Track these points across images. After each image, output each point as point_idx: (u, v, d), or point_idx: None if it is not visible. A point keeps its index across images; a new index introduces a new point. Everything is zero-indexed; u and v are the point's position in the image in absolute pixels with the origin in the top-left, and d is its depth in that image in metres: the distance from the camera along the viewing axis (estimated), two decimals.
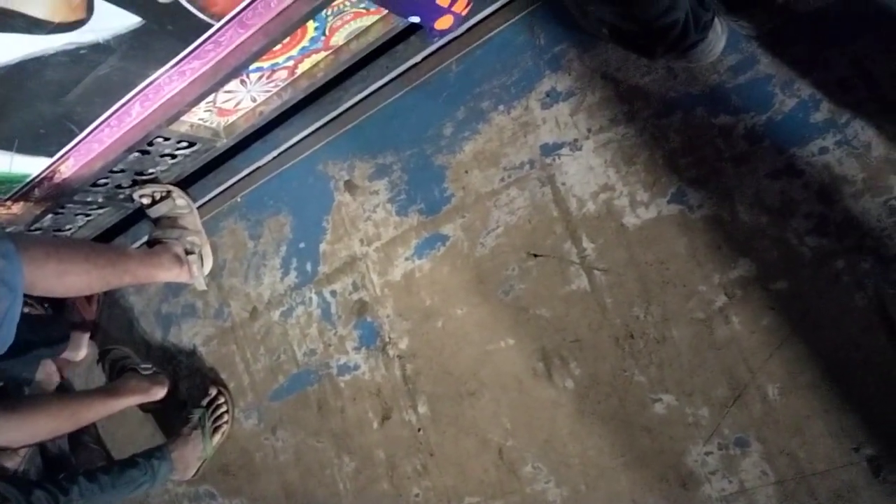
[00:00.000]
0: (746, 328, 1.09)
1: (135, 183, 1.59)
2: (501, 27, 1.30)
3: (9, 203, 1.42)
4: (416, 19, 1.14)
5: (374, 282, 1.46)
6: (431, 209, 1.40)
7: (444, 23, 1.16)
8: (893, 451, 0.98)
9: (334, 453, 1.50)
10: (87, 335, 1.79)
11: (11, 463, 1.57)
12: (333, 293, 1.51)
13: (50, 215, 1.56)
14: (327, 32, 1.33)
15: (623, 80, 1.19)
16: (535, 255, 1.28)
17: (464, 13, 1.21)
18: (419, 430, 1.39)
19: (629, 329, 1.19)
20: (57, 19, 0.98)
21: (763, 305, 1.08)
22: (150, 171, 1.58)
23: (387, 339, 1.44)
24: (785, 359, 1.06)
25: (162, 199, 1.61)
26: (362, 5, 1.27)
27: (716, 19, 1.04)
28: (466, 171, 1.36)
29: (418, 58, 1.40)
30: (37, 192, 1.42)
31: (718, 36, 1.06)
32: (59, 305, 1.79)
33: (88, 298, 1.82)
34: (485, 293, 1.33)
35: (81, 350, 1.78)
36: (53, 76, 1.10)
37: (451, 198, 1.38)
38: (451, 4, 1.11)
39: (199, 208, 1.65)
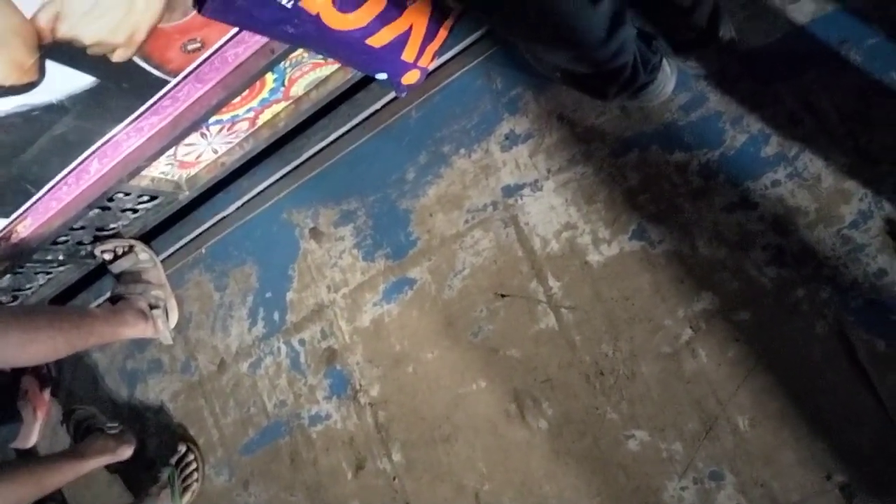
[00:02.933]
0: (713, 361, 1.10)
1: (96, 239, 1.57)
2: (459, 72, 1.32)
3: None
4: (383, 76, 1.15)
5: (343, 329, 1.44)
6: (398, 253, 1.40)
7: (410, 77, 1.18)
8: (864, 477, 0.99)
9: None
10: (39, 423, 1.73)
11: None
12: (302, 342, 1.49)
13: (9, 275, 1.53)
14: (287, 83, 1.34)
15: (579, 121, 1.21)
16: (503, 296, 1.28)
17: (429, 66, 1.23)
18: (394, 478, 1.37)
19: (599, 366, 1.19)
20: (8, 83, 0.97)
21: (728, 337, 1.09)
22: (112, 226, 1.56)
23: (358, 387, 1.42)
24: (752, 389, 1.07)
25: (124, 253, 1.58)
26: (321, 56, 1.28)
27: (664, 60, 1.07)
28: (431, 215, 1.36)
29: (379, 104, 1.41)
30: None
31: (668, 76, 1.09)
32: (8, 392, 1.73)
33: (41, 387, 1.76)
34: (454, 336, 1.32)
35: (31, 438, 1.71)
36: (6, 138, 1.09)
37: (417, 241, 1.38)
38: (417, 59, 1.13)
39: (162, 261, 1.63)
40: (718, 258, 1.09)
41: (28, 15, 0.90)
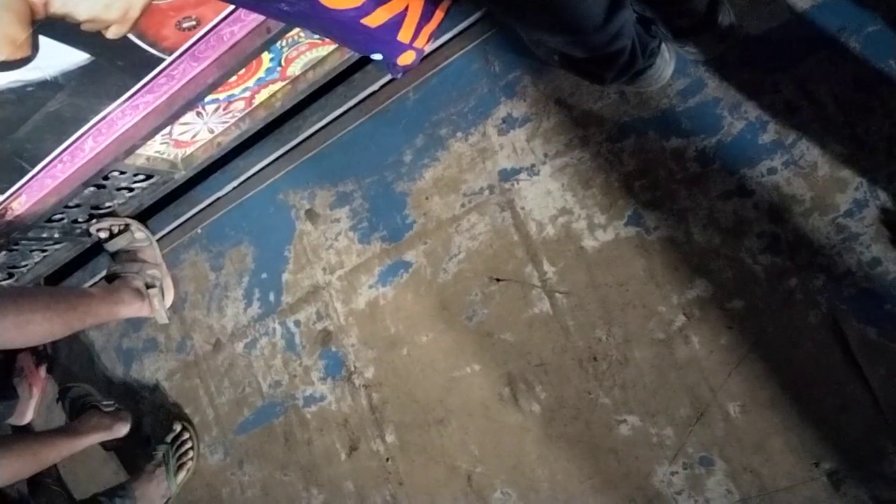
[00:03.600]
0: (705, 348, 1.10)
1: (91, 217, 1.56)
2: (456, 55, 1.31)
3: None
4: (378, 56, 1.14)
5: (338, 310, 1.44)
6: (394, 236, 1.39)
7: (406, 58, 1.16)
8: (852, 465, 1.00)
9: (302, 486, 1.47)
10: (35, 400, 1.73)
11: None
12: (297, 323, 1.49)
13: (4, 252, 1.53)
14: (283, 63, 1.33)
15: (576, 105, 1.20)
16: (498, 280, 1.28)
17: (425, 48, 1.21)
18: (387, 459, 1.38)
19: (592, 351, 1.19)
20: (1, 58, 0.96)
21: (721, 325, 1.09)
22: (107, 204, 1.55)
23: (352, 369, 1.42)
24: (744, 377, 1.07)
25: (120, 232, 1.58)
26: (317, 36, 1.27)
27: (662, 45, 1.06)
28: (427, 198, 1.36)
29: (376, 86, 1.40)
30: None
31: (666, 61, 1.08)
32: (4, 369, 1.73)
33: (38, 364, 1.76)
34: (449, 319, 1.32)
35: (27, 416, 1.72)
36: (2, 114, 1.08)
37: (413, 224, 1.37)
38: (413, 40, 1.12)
39: (158, 241, 1.63)
40: (713, 245, 1.09)
41: None
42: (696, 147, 1.11)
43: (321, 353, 1.46)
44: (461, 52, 1.31)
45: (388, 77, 1.39)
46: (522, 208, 1.26)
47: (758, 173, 1.06)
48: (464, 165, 1.32)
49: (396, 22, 1.03)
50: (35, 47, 0.99)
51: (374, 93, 1.41)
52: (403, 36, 1.07)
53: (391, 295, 1.39)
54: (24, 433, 1.71)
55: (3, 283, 1.67)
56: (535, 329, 1.24)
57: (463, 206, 1.32)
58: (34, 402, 1.71)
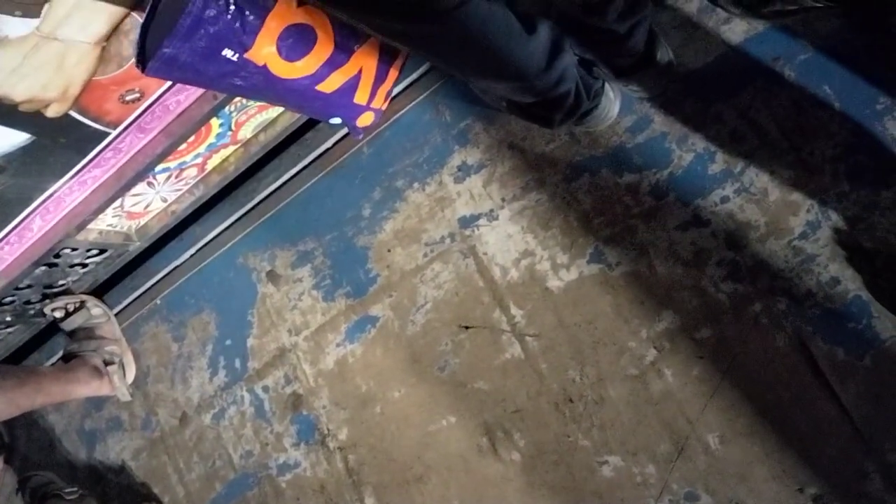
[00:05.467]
0: (679, 380, 1.09)
1: (45, 297, 1.51)
2: (407, 107, 1.32)
3: None
4: (337, 121, 1.14)
5: (307, 372, 1.41)
6: (358, 291, 1.37)
7: (365, 119, 1.16)
8: (835, 488, 0.99)
9: None
10: None
11: None
12: (266, 389, 1.45)
13: None
14: (233, 127, 1.32)
15: (529, 148, 1.21)
16: (467, 328, 1.26)
17: (383, 107, 1.22)
18: None
19: (567, 393, 1.17)
20: None
21: (691, 355, 1.08)
22: (61, 282, 1.50)
23: (325, 431, 1.38)
24: (720, 407, 1.06)
25: (76, 310, 1.53)
26: (253, 100, 1.27)
27: (606, 85, 1.08)
28: (389, 250, 1.35)
29: (329, 143, 1.40)
30: None
31: (611, 100, 1.10)
32: None
33: None
34: (420, 372, 1.30)
35: None
36: None
37: (377, 278, 1.36)
38: (370, 101, 1.12)
39: (116, 315, 1.58)
40: (676, 277, 1.10)
41: None
42: (650, 181, 1.12)
43: (292, 418, 1.41)
44: (412, 103, 1.32)
45: (341, 133, 1.39)
46: (485, 254, 1.25)
47: (711, 203, 1.07)
48: (423, 215, 1.32)
49: (351, 85, 1.04)
50: None
51: (328, 149, 1.41)
52: (360, 98, 1.07)
53: (360, 352, 1.36)
54: None
55: None
56: (508, 375, 1.22)
57: (425, 255, 1.31)
58: None
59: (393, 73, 1.15)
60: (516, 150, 1.24)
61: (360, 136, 1.23)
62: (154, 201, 1.41)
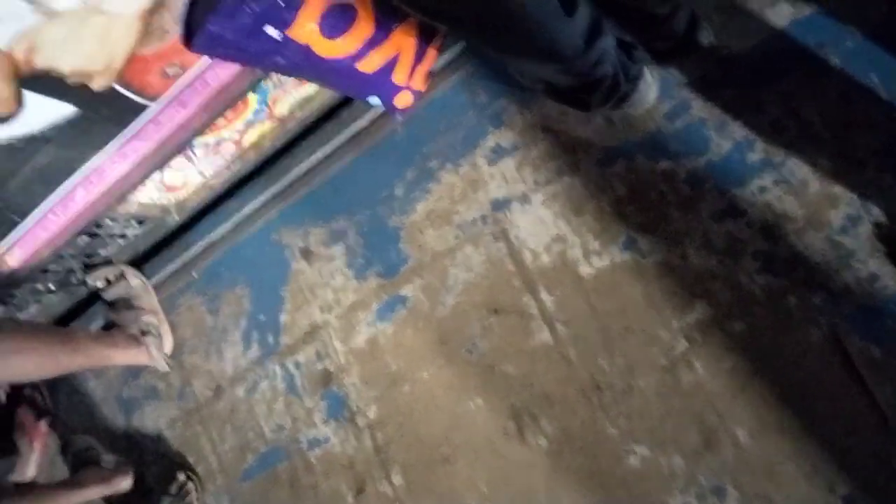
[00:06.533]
0: (709, 372, 1.08)
1: (87, 266, 1.56)
2: (443, 88, 1.32)
3: None
4: (375, 100, 1.15)
5: (338, 350, 1.43)
6: (389, 271, 1.38)
7: (403, 100, 1.16)
8: (867, 488, 0.96)
9: None
10: (36, 455, 1.71)
11: None
12: (297, 364, 1.47)
13: (1, 306, 1.52)
14: (270, 103, 1.34)
15: (564, 131, 1.20)
16: (496, 311, 1.26)
17: (422, 88, 1.21)
18: (395, 501, 1.34)
19: (595, 380, 1.17)
20: None
21: (723, 348, 1.07)
22: (102, 252, 1.55)
23: (355, 409, 1.40)
24: (751, 401, 1.05)
25: (116, 280, 1.57)
26: (294, 78, 1.28)
27: (645, 69, 1.06)
28: (421, 231, 1.35)
29: (364, 121, 1.41)
30: None
31: (650, 85, 1.08)
32: (4, 425, 1.71)
33: (38, 418, 1.74)
34: (449, 354, 1.30)
35: (29, 471, 1.69)
36: None
37: (408, 259, 1.36)
38: (408, 82, 1.12)
39: (154, 286, 1.61)
40: (709, 267, 1.08)
41: (1, 47, 0.90)
42: (686, 169, 1.10)
43: (323, 394, 1.44)
44: (448, 84, 1.32)
45: (377, 113, 1.39)
46: (516, 238, 1.25)
47: (749, 193, 1.05)
48: (455, 197, 1.31)
49: (390, 65, 1.04)
50: (20, 103, 1.00)
51: (363, 129, 1.41)
52: (398, 78, 1.07)
53: (390, 331, 1.37)
54: (27, 489, 1.68)
55: None
56: (536, 360, 1.22)
57: (457, 237, 1.31)
58: (35, 458, 1.68)
59: (432, 54, 1.15)
60: (551, 133, 1.23)
61: (398, 117, 1.23)
62: (192, 175, 1.44)
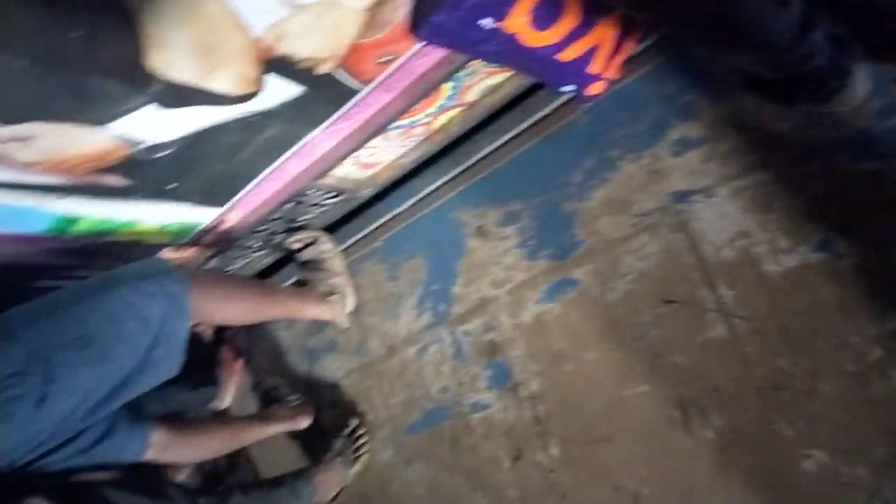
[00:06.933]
0: None
1: (287, 229, 1.75)
2: (630, 78, 1.33)
3: (185, 247, 1.62)
4: (569, 88, 1.19)
5: (506, 323, 1.51)
6: (561, 254, 1.43)
7: (595, 89, 1.20)
8: None
9: (467, 489, 1.55)
10: (232, 388, 1.95)
11: (178, 476, 1.76)
12: (466, 333, 1.57)
13: (216, 258, 1.75)
14: (462, 90, 1.42)
15: (758, 127, 1.17)
16: (669, 302, 1.27)
17: (615, 77, 1.24)
18: (551, 471, 1.41)
19: (773, 380, 1.15)
20: (235, 93, 1.13)
21: None
22: (301, 218, 1.73)
23: (517, 380, 1.47)
24: None
25: (310, 244, 1.75)
26: (494, 65, 1.35)
27: (857, 64, 1.01)
28: (596, 218, 1.39)
29: (547, 109, 1.45)
30: (207, 238, 1.60)
31: (861, 81, 1.02)
32: (209, 360, 1.97)
33: (236, 357, 1.98)
34: (617, 339, 1.34)
35: (225, 401, 1.93)
36: (229, 140, 1.25)
37: (581, 244, 1.40)
38: (603, 71, 1.15)
39: (342, 252, 1.78)
40: None
41: (255, 35, 1.04)
42: (895, 171, 1.04)
43: (488, 364, 1.53)
44: (635, 74, 1.33)
45: (560, 101, 1.43)
46: (697, 230, 1.25)
47: None
48: (634, 186, 1.33)
49: (589, 55, 1.08)
50: (262, 83, 1.15)
51: (545, 116, 1.46)
52: (595, 67, 1.11)
53: (558, 311, 1.43)
54: (223, 417, 1.94)
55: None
56: (709, 354, 1.22)
57: (633, 226, 1.33)
58: (231, 390, 1.93)
59: (629, 45, 1.17)
60: (743, 128, 1.20)
61: (587, 104, 1.27)
62: (385, 154, 1.57)
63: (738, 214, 1.20)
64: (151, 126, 1.12)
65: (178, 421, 1.68)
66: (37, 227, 1.29)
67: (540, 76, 1.20)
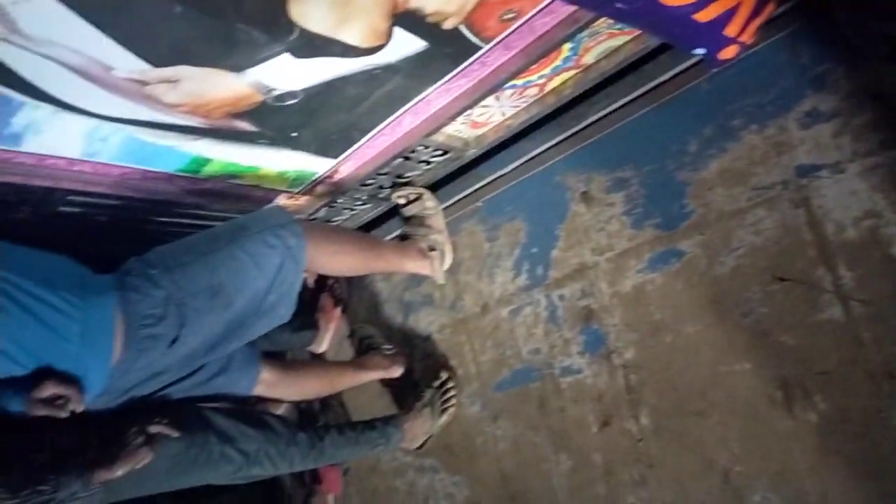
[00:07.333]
0: None
1: (393, 185, 1.81)
2: (760, 45, 1.27)
3: (298, 196, 1.70)
4: (700, 51, 1.16)
5: (603, 290, 1.50)
6: (668, 224, 1.41)
7: (728, 52, 1.16)
8: None
9: (552, 450, 1.57)
10: (330, 334, 2.04)
11: (277, 411, 1.88)
12: (562, 297, 1.58)
13: (325, 208, 1.83)
14: (580, 52, 1.41)
15: None
16: (782, 279, 1.24)
17: (750, 42, 1.20)
18: (640, 440, 1.41)
19: (890, 368, 1.10)
20: (365, 45, 1.17)
21: None
22: (408, 175, 1.78)
23: (612, 348, 1.48)
24: None
25: (414, 200, 1.80)
26: (617, 26, 1.33)
27: None
28: (710, 189, 1.35)
29: (667, 75, 1.42)
30: (319, 188, 1.68)
31: None
32: (310, 306, 2.07)
33: (335, 304, 2.07)
34: (721, 313, 1.31)
35: (324, 345, 2.03)
36: (351, 92, 1.30)
37: (691, 214, 1.38)
38: (739, 35, 1.11)
39: (444, 210, 1.82)
40: None
41: None
42: None
43: (582, 329, 1.54)
44: (766, 41, 1.27)
45: (681, 67, 1.40)
46: (820, 207, 1.20)
47: None
48: (755, 158, 1.29)
49: (727, 17, 1.04)
50: (389, 36, 1.18)
51: (664, 82, 1.43)
52: (731, 30, 1.07)
53: (659, 282, 1.41)
54: (322, 361, 2.04)
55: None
56: (820, 335, 1.18)
57: (749, 199, 1.29)
58: (329, 336, 2.04)
59: (769, 8, 1.12)
60: (882, 102, 1.14)
61: (715, 69, 1.23)
62: (495, 114, 1.58)
63: (867, 193, 1.14)
64: (283, 75, 1.19)
65: (283, 361, 1.80)
66: (173, 165, 1.40)
67: (670, 37, 1.17)
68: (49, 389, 1.08)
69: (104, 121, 1.17)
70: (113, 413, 1.31)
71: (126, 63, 1.03)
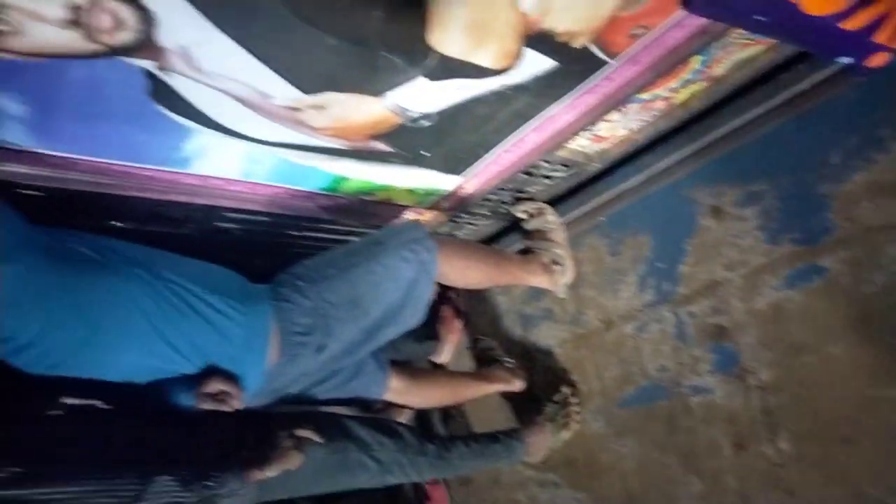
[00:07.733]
0: None
1: (515, 199, 1.84)
2: None
3: (424, 211, 1.78)
4: (846, 60, 1.11)
5: (737, 308, 1.45)
6: (808, 239, 1.35)
7: (877, 60, 1.11)
8: None
9: (681, 471, 1.53)
10: (451, 345, 2.09)
11: (401, 418, 1.95)
12: (691, 314, 1.54)
13: (449, 223, 1.90)
14: (711, 64, 1.38)
15: None
16: None
17: None
18: (779, 465, 1.35)
19: None
20: (497, 66, 1.21)
21: None
22: (529, 189, 1.81)
23: (746, 368, 1.42)
24: None
25: (535, 214, 1.83)
26: (752, 36, 1.29)
27: None
28: (855, 202, 1.28)
29: (805, 85, 1.36)
30: (445, 203, 1.74)
31: None
32: (433, 316, 2.11)
33: (456, 316, 2.12)
34: (870, 334, 1.23)
35: (445, 356, 2.09)
36: (481, 112, 1.35)
37: (834, 229, 1.31)
38: (890, 41, 1.06)
39: (565, 224, 1.83)
40: None
41: (523, 11, 1.11)
42: None
43: (713, 347, 1.49)
44: None
45: (822, 76, 1.33)
46: None
47: None
48: None
49: (876, 23, 1.00)
50: (520, 57, 1.22)
51: (802, 91, 1.37)
52: (880, 36, 1.03)
53: (799, 300, 1.35)
54: (446, 371, 2.10)
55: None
56: None
57: None
58: (451, 347, 2.09)
59: None
60: None
61: (862, 77, 1.17)
62: (619, 128, 1.58)
63: None
64: (419, 97, 1.25)
65: (410, 369, 1.87)
66: (316, 184, 1.51)
67: (812, 46, 1.13)
68: (214, 385, 1.20)
69: (260, 144, 1.29)
70: (265, 414, 1.43)
71: (283, 92, 1.13)
